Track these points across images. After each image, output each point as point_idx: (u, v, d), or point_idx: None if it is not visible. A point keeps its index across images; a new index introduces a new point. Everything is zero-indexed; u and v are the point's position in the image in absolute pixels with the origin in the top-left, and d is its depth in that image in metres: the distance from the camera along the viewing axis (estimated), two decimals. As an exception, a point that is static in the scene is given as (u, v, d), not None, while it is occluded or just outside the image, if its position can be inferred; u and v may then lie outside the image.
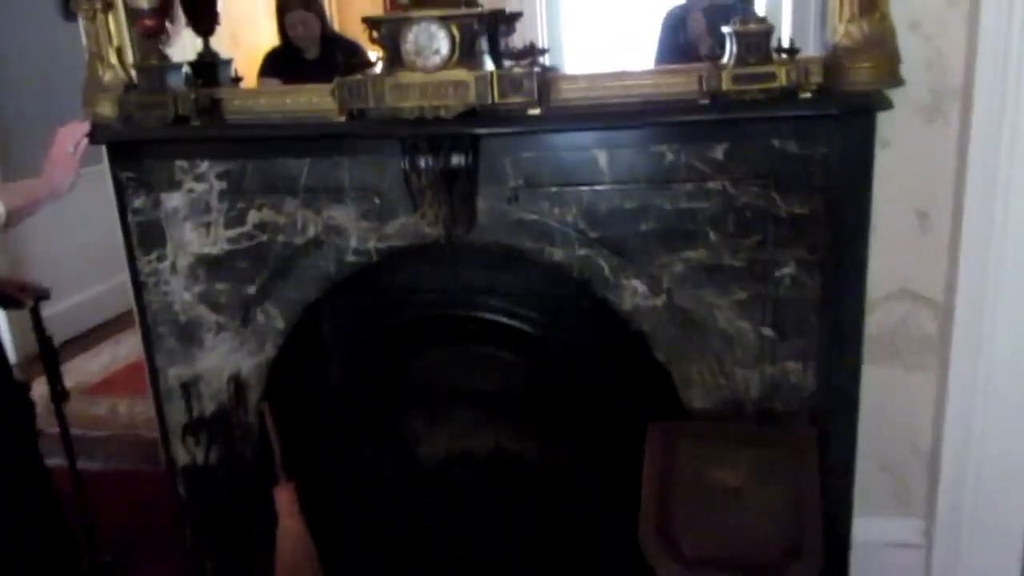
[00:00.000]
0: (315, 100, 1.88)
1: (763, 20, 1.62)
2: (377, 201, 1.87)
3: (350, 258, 1.92)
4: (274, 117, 1.90)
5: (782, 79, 1.60)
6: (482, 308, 1.98)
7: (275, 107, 1.91)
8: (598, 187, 1.77)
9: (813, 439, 1.73)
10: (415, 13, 1.70)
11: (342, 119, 1.78)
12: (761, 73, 1.60)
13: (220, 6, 2.08)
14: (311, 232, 1.92)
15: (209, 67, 2.03)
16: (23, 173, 3.85)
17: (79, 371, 3.89)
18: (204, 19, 2.00)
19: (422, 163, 1.77)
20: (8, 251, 3.76)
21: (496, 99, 1.70)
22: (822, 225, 1.69)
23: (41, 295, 2.12)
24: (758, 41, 1.61)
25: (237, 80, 2.09)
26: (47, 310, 4.03)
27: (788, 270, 1.74)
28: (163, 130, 1.85)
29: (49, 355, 2.18)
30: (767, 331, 1.79)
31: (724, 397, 1.85)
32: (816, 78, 1.63)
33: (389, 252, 1.90)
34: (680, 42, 3.08)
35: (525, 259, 1.86)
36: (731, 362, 1.83)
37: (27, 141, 3.94)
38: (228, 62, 2.08)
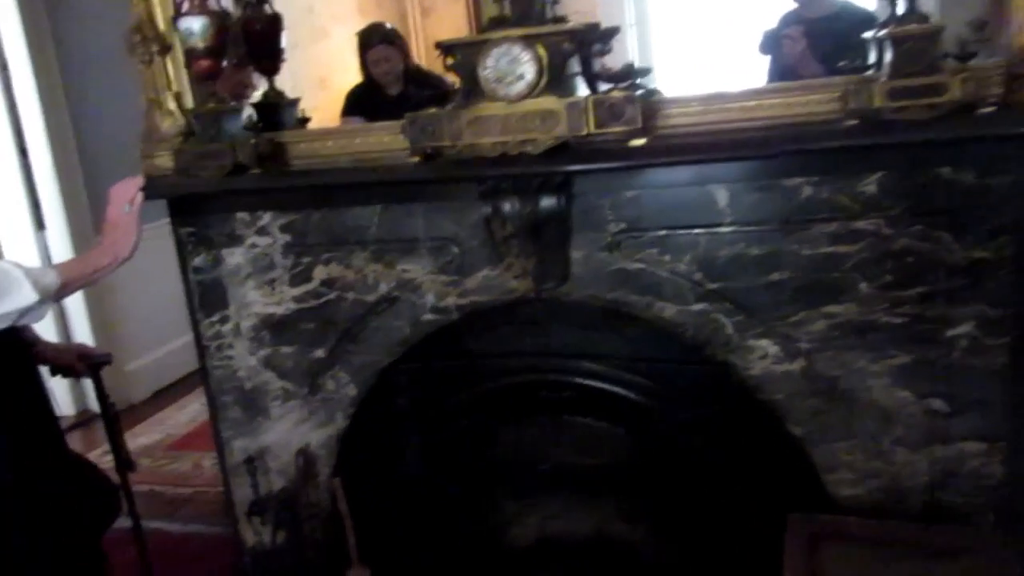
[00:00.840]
0: (387, 140, 1.66)
1: (926, 19, 1.30)
2: (456, 252, 1.63)
3: (427, 317, 1.69)
4: (343, 161, 1.69)
5: (954, 92, 1.27)
6: (578, 373, 1.70)
7: (343, 150, 1.70)
8: (717, 230, 1.47)
9: (1004, 546, 1.36)
10: (495, 35, 1.46)
11: (415, 160, 1.56)
12: (926, 86, 1.28)
13: (306, 50, 1.91)
14: (383, 288, 1.70)
15: (272, 109, 1.85)
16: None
17: (168, 423, 3.82)
18: (268, 57, 1.83)
19: (506, 207, 1.52)
20: (101, 300, 3.74)
21: (592, 130, 1.43)
22: (1009, 273, 1.34)
23: (101, 361, 1.97)
24: (921, 46, 1.28)
25: (304, 122, 1.91)
26: (137, 362, 3.99)
27: (964, 329, 1.38)
28: (219, 181, 1.67)
29: (111, 425, 2.03)
30: (937, 404, 1.43)
31: (881, 485, 1.50)
32: (996, 89, 1.29)
33: (471, 309, 1.65)
34: (784, 65, 2.75)
35: (628, 316, 1.58)
36: (889, 441, 1.48)
37: (115, 178, 3.96)
38: (293, 103, 1.90)
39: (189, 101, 1.78)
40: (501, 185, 1.50)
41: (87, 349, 1.99)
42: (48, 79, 3.53)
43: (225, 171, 1.68)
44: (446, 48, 1.51)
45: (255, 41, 1.81)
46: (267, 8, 1.83)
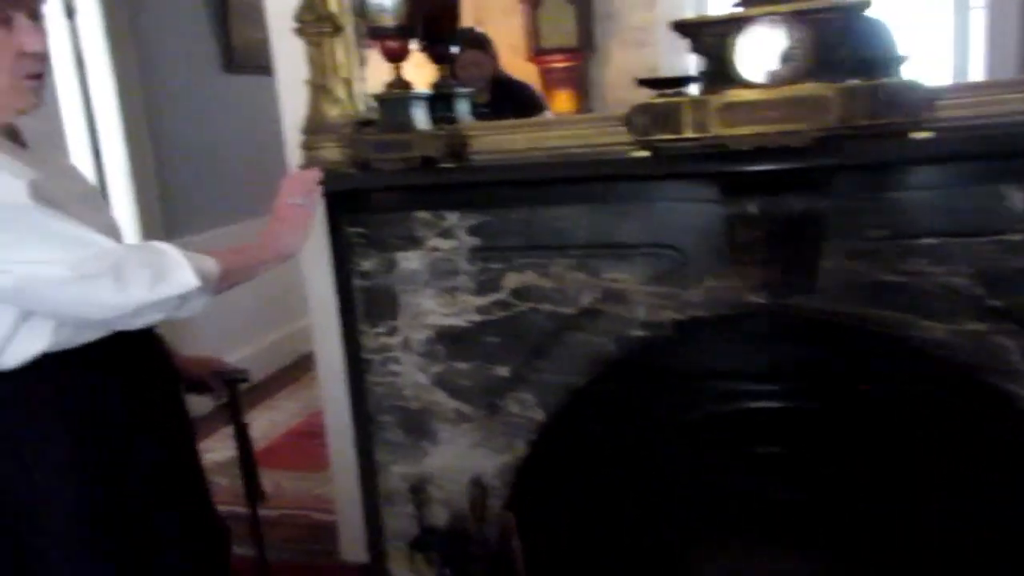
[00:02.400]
0: (587, 133, 1.48)
1: None
2: (678, 259, 1.44)
3: (635, 333, 1.49)
4: (535, 157, 1.51)
5: None
6: (807, 398, 1.50)
7: (535, 144, 1.52)
8: (1006, 236, 1.28)
9: None
10: (755, 10, 1.27)
11: (636, 154, 1.37)
12: None
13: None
14: (585, 300, 1.51)
15: (446, 99, 1.67)
16: (185, 230, 3.72)
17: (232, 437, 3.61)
18: (444, 41, 1.64)
19: (753, 208, 1.33)
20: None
21: (866, 120, 1.24)
22: None
23: (237, 379, 1.76)
24: None
25: (480, 115, 1.72)
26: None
27: None
28: (409, 175, 1.48)
29: (245, 449, 1.83)
30: None
31: None
32: None
33: (689, 325, 1.46)
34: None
35: (880, 336, 1.38)
36: None
37: (187, 197, 3.82)
38: (468, 94, 1.71)
39: (357, 88, 1.60)
40: (750, 183, 1.31)
41: (221, 364, 1.78)
42: (126, 79, 3.37)
43: (412, 164, 1.49)
44: (691, 28, 1.33)
45: (426, 24, 1.63)
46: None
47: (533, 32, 3.93)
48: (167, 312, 1.27)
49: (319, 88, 1.59)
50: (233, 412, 1.82)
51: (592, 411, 1.58)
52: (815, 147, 1.25)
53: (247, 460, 1.83)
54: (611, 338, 1.51)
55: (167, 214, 3.60)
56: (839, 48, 1.27)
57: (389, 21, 1.47)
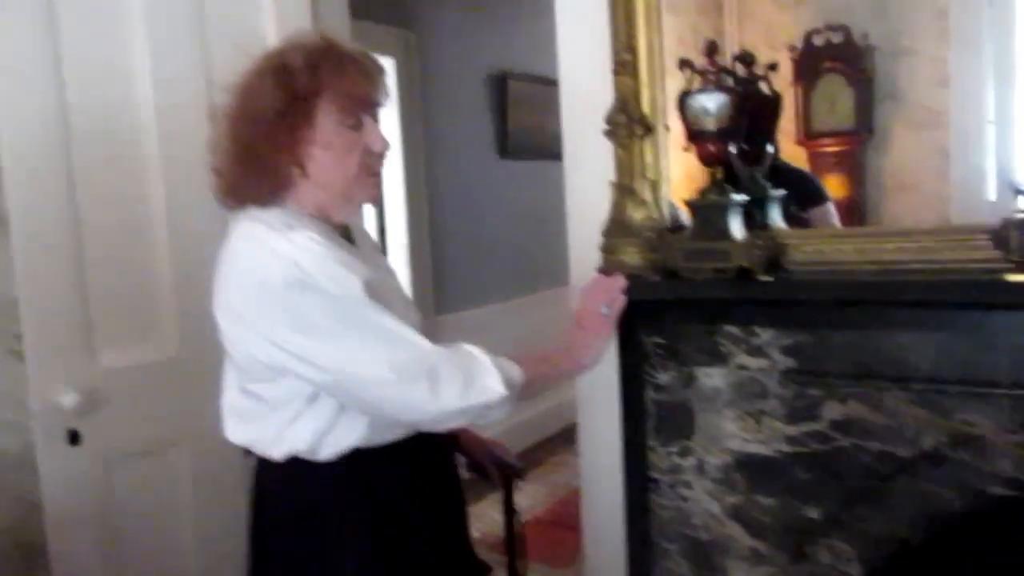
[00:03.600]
0: (938, 247, 1.28)
1: None
2: (1060, 406, 1.18)
3: (994, 490, 1.23)
4: (866, 271, 1.33)
5: None
6: None
7: (866, 256, 1.34)
8: None
9: None
10: None
11: (1013, 278, 1.15)
12: None
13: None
14: (926, 442, 1.28)
15: (759, 203, 1.54)
16: (454, 306, 3.85)
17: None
18: (763, 141, 1.53)
19: None
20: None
21: None
22: None
23: (513, 473, 1.71)
24: None
25: (796, 221, 1.58)
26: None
27: None
28: (722, 287, 1.37)
29: (513, 548, 1.77)
30: None
31: None
32: None
33: (1071, 489, 1.18)
34: None
35: None
36: None
37: (459, 281, 3.98)
38: (780, 198, 1.58)
39: (664, 191, 1.52)
40: None
41: (503, 452, 1.68)
42: (413, 164, 3.59)
43: (726, 275, 1.37)
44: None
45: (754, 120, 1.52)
46: (763, 87, 1.54)
47: (804, 114, 3.72)
48: (471, 419, 1.24)
49: (624, 190, 1.53)
50: (506, 506, 1.77)
51: (918, 570, 1.33)
52: None
53: (512, 553, 1.77)
54: (959, 491, 1.26)
55: (437, 290, 3.76)
56: None
57: (711, 124, 1.38)
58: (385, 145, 1.25)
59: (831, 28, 2.15)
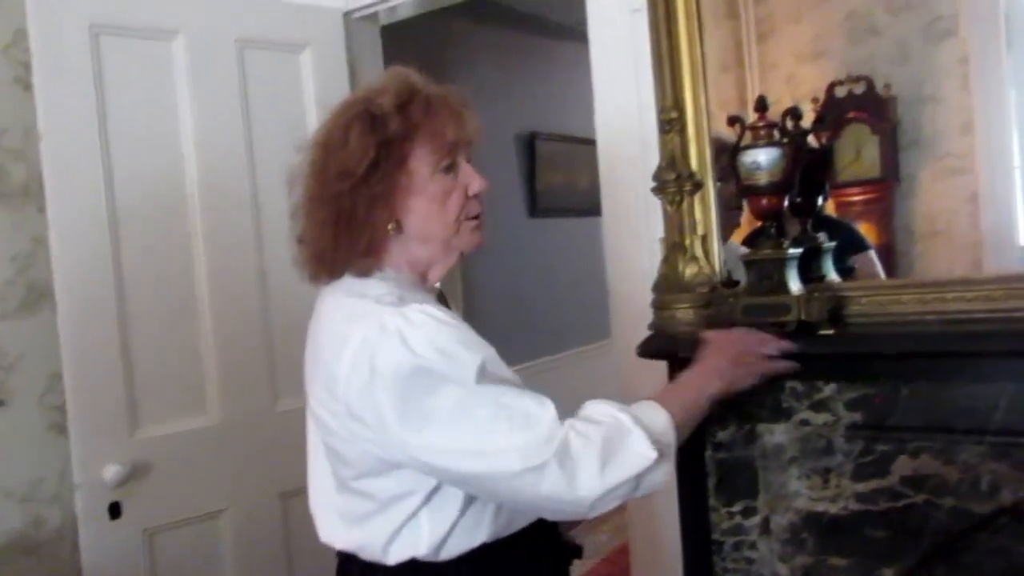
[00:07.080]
0: (1003, 295, 1.26)
1: None
2: None
3: (1080, 546, 1.19)
4: (929, 323, 1.31)
5: None
6: None
7: (927, 307, 1.33)
8: None
9: None
10: None
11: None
12: None
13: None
14: (1005, 497, 1.24)
15: (812, 256, 1.53)
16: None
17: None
18: (816, 194, 1.53)
19: None
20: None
21: None
22: None
23: (572, 553, 1.62)
24: None
25: (848, 274, 1.57)
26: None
27: None
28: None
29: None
30: None
31: None
32: None
33: None
34: None
35: None
36: None
37: (493, 340, 3.90)
38: (830, 250, 1.57)
39: (714, 247, 1.52)
40: None
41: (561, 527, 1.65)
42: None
43: (785, 329, 1.36)
44: None
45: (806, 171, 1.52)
46: (813, 141, 1.55)
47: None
48: (625, 497, 1.06)
49: (676, 246, 1.53)
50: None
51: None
52: None
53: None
54: (1042, 548, 1.22)
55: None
56: None
57: (763, 179, 1.38)
58: (483, 185, 1.17)
59: (852, 79, 2.17)
